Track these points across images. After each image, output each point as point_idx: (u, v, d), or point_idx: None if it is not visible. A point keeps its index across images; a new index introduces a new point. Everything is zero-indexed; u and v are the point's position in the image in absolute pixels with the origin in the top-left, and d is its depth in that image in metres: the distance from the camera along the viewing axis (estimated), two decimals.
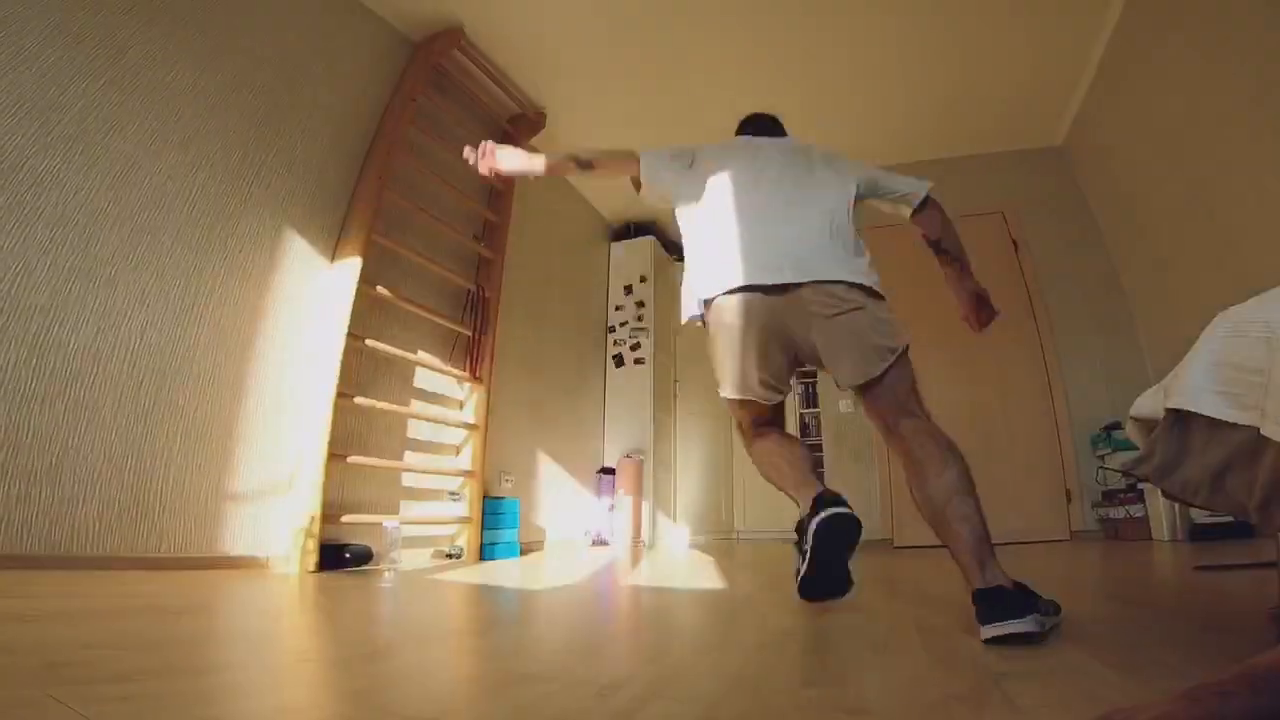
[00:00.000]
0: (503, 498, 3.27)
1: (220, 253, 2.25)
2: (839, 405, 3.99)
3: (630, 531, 4.38)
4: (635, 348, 4.93)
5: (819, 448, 4.80)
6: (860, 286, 1.37)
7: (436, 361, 3.10)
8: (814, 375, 4.75)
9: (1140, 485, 3.06)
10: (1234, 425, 0.74)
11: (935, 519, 1.20)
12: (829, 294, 1.36)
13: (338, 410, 2.41)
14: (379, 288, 2.73)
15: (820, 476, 1.44)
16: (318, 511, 2.27)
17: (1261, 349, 0.72)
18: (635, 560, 2.82)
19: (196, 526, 2.05)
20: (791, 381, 1.51)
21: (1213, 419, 0.77)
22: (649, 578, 2.17)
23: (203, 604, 1.43)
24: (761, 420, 1.56)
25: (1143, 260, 3.47)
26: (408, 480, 2.91)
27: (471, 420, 3.20)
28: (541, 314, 4.11)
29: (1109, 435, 3.31)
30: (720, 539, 5.07)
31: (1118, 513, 3.19)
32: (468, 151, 1.62)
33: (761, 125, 1.80)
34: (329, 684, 0.80)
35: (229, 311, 2.26)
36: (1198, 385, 0.80)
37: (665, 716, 0.65)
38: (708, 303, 1.48)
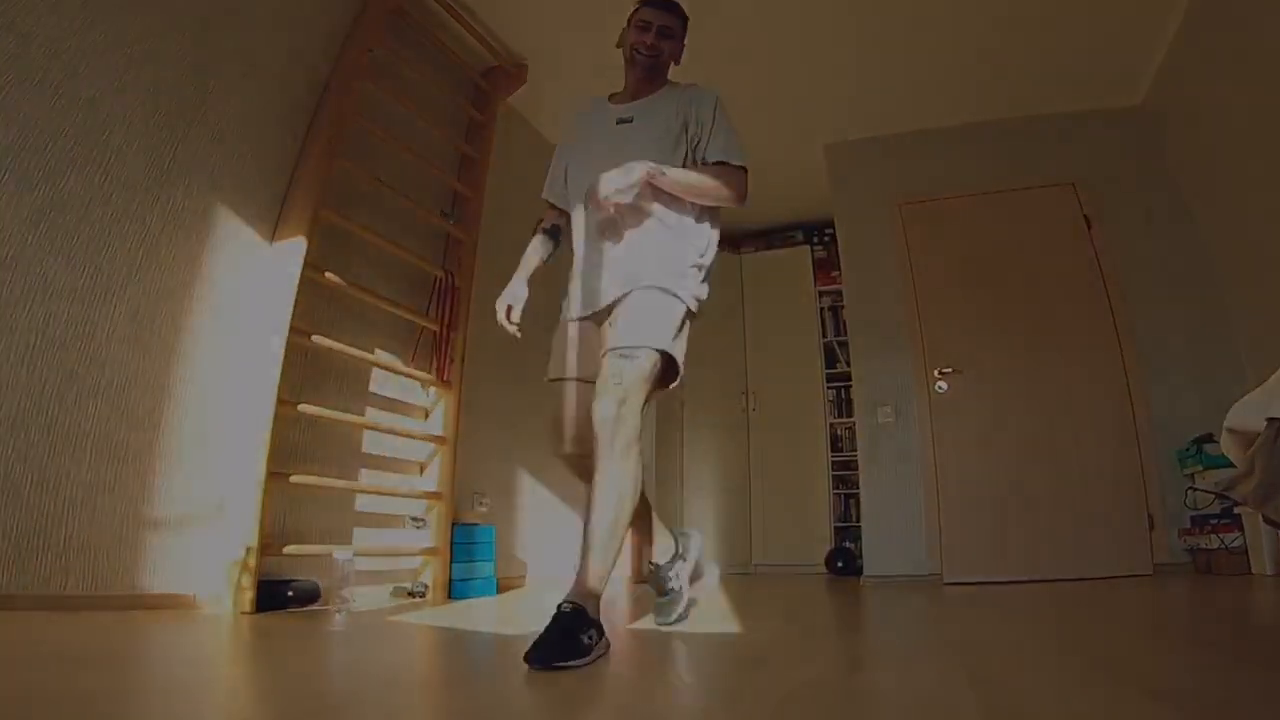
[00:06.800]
0: (476, 524, 3.27)
1: (138, 230, 2.25)
2: (878, 414, 3.99)
3: (629, 565, 4.38)
4: None
5: (852, 465, 4.80)
6: None
7: (397, 362, 3.10)
8: (847, 379, 4.75)
9: (1237, 509, 3.06)
10: None
11: None
12: None
13: (279, 420, 2.41)
14: (328, 274, 2.73)
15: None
16: (255, 541, 2.27)
17: None
18: (633, 598, 2.83)
19: (110, 559, 2.05)
20: None
21: None
22: (651, 619, 2.17)
23: (118, 651, 1.43)
24: None
25: (1240, 243, 3.47)
26: (362, 504, 2.91)
27: (439, 432, 3.20)
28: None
29: (1199, 450, 3.31)
30: (736, 572, 5.07)
31: (1210, 542, 3.19)
32: None
33: None
34: None
35: (149, 302, 2.25)
36: None
37: None
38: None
